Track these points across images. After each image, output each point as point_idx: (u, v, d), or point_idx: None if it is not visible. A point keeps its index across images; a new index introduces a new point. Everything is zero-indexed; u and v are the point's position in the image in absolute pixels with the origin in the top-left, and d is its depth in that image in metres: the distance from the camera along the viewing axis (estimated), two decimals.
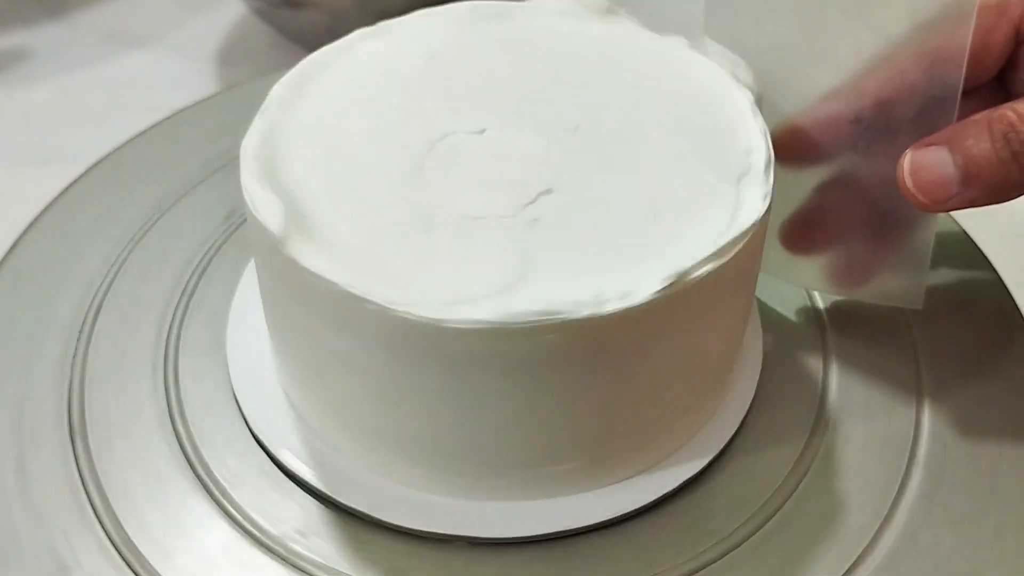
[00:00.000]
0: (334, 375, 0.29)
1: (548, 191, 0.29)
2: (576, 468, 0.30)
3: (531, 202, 0.29)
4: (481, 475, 0.30)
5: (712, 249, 0.27)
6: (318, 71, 0.33)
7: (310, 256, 0.27)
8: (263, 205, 0.28)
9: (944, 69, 0.29)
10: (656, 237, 0.28)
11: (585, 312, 0.26)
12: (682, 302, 0.27)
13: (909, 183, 0.29)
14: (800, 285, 0.37)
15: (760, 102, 0.32)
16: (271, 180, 0.29)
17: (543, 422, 0.28)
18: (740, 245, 0.28)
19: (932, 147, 0.29)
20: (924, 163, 0.29)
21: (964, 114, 0.29)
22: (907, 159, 0.29)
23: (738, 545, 0.30)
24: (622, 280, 0.26)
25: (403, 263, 0.27)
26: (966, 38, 0.28)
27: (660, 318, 0.27)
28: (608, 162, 0.30)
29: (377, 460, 0.31)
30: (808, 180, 0.33)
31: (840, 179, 0.33)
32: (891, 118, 0.30)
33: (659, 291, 0.26)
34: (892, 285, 0.34)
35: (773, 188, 0.29)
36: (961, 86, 0.29)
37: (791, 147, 0.32)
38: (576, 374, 0.27)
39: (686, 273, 0.26)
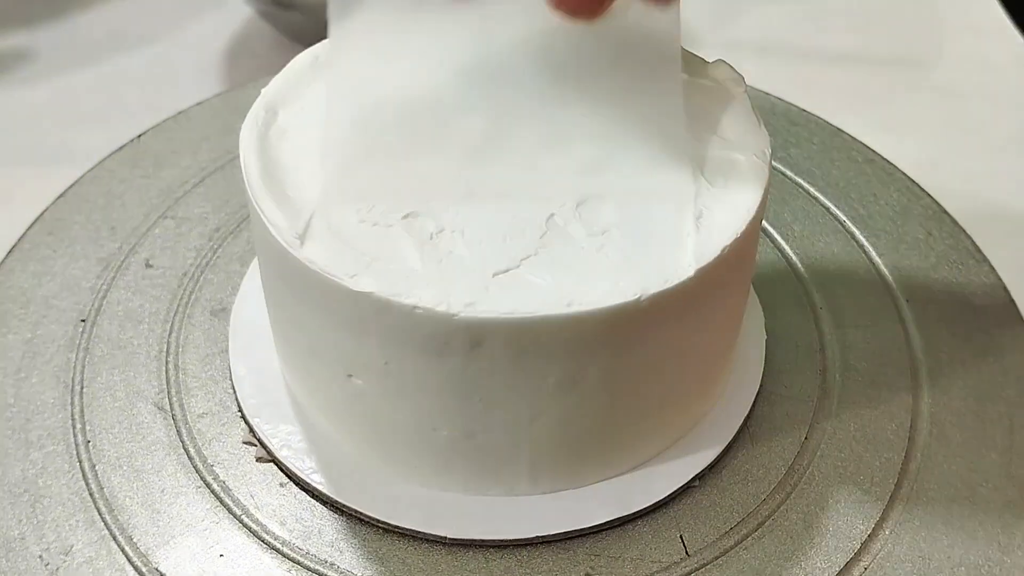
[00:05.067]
0: (340, 372, 0.29)
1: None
2: (582, 458, 0.31)
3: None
4: (487, 469, 0.30)
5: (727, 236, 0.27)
6: (310, 72, 0.32)
7: (317, 256, 0.27)
8: (269, 208, 0.28)
9: None
10: (663, 232, 0.28)
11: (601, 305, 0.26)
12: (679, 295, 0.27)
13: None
14: None
15: None
16: (274, 182, 0.29)
17: (550, 413, 0.29)
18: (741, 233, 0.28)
19: None
20: None
21: None
22: None
23: (739, 543, 0.31)
24: (619, 276, 0.27)
25: (409, 259, 0.27)
26: None
27: (660, 308, 0.27)
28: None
29: (380, 457, 0.31)
30: None
31: None
32: None
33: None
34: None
35: (768, 180, 0.29)
36: None
37: None
38: (580, 367, 0.27)
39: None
